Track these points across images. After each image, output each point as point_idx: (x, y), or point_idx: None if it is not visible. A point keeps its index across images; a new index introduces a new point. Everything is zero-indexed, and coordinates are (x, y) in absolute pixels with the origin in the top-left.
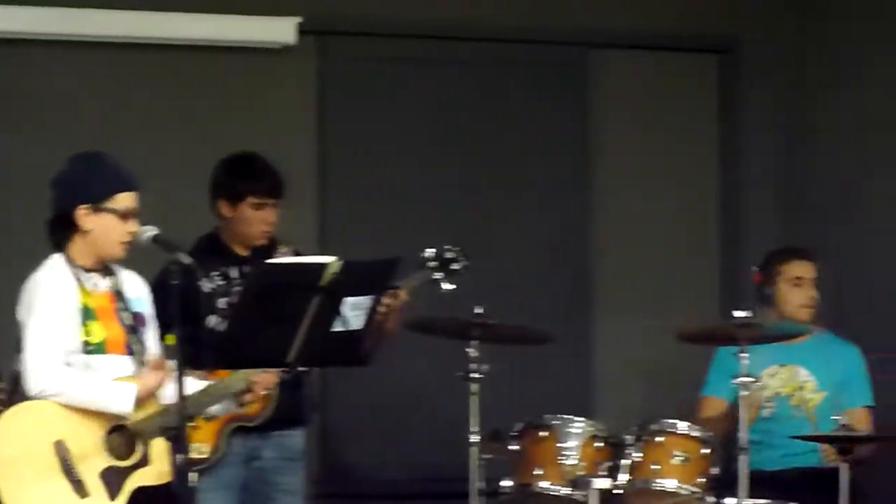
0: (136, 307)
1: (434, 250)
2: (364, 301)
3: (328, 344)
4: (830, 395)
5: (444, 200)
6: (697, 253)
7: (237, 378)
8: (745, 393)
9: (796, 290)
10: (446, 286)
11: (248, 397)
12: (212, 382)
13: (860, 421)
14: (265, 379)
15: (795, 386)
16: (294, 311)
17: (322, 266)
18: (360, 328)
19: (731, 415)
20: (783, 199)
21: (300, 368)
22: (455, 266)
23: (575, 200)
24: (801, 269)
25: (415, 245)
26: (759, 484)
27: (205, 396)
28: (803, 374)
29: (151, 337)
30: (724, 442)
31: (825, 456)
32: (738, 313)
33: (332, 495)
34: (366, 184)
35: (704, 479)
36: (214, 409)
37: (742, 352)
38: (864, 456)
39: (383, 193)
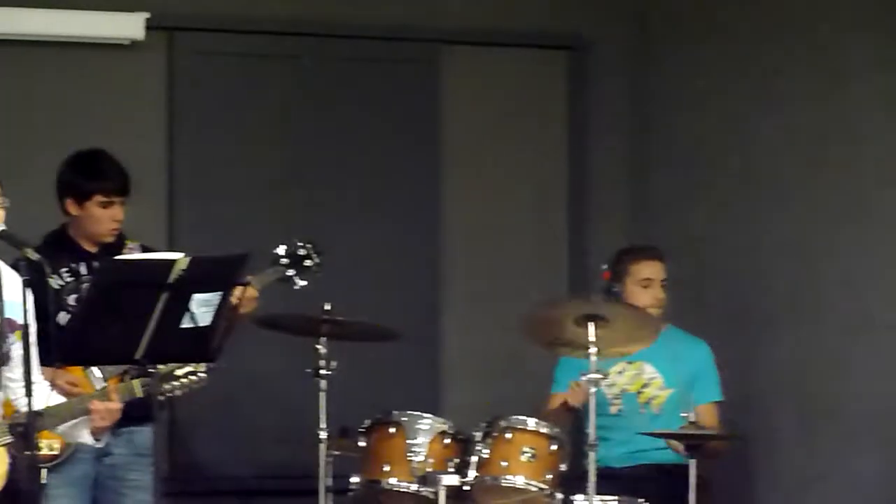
0: (9, 312)
1: (286, 247)
2: (212, 297)
3: (177, 340)
4: (678, 392)
5: (295, 197)
6: (546, 249)
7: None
8: (594, 390)
9: (645, 290)
10: (298, 283)
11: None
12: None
13: (708, 417)
14: (105, 412)
15: (642, 383)
16: (142, 308)
17: (170, 262)
18: (208, 324)
19: (569, 408)
20: (631, 193)
21: (149, 366)
22: (307, 263)
23: (426, 197)
24: (650, 270)
25: (265, 242)
26: (608, 480)
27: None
28: (650, 370)
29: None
30: (572, 439)
31: (675, 449)
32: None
33: (182, 492)
34: (215, 180)
35: (553, 476)
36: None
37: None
38: (714, 451)
39: (233, 190)
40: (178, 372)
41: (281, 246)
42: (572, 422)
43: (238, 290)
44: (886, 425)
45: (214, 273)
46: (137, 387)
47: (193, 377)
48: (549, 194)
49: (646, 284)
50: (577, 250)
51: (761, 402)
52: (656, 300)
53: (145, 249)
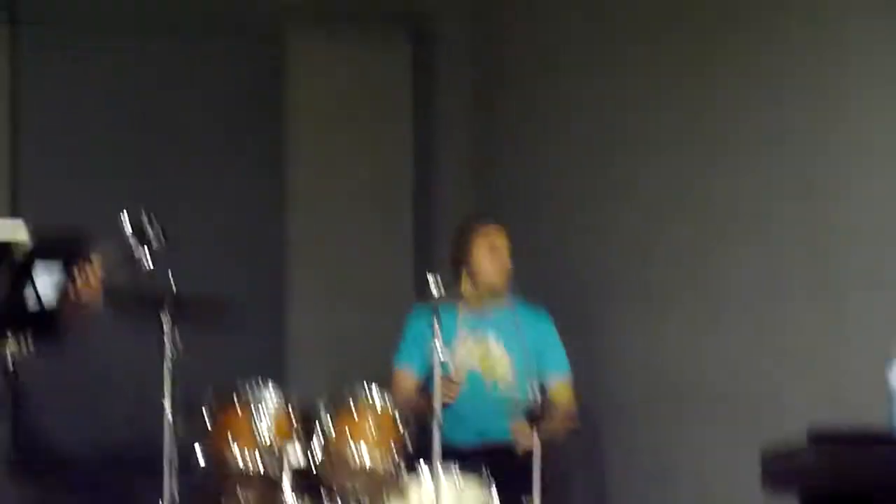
0: None
1: (132, 226)
2: (57, 275)
3: (21, 319)
4: (524, 366)
5: (140, 177)
6: (391, 221)
7: None
8: (440, 368)
9: (491, 256)
10: (144, 261)
11: None
12: None
13: (557, 388)
14: None
15: (485, 356)
16: None
17: (13, 242)
18: (52, 302)
19: (425, 393)
20: (475, 173)
21: None
22: (153, 242)
23: (270, 173)
24: (496, 238)
25: (111, 222)
26: (453, 458)
27: None
28: (496, 347)
29: None
30: (418, 415)
31: (519, 441)
32: (430, 278)
33: (25, 470)
34: (60, 160)
35: (397, 452)
36: None
37: (436, 321)
38: (561, 424)
39: (78, 170)
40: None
41: (127, 225)
42: (420, 399)
43: (83, 268)
44: (731, 409)
45: (58, 250)
46: None
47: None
48: (394, 167)
49: (492, 251)
50: (423, 222)
51: (608, 383)
52: (503, 267)
53: None
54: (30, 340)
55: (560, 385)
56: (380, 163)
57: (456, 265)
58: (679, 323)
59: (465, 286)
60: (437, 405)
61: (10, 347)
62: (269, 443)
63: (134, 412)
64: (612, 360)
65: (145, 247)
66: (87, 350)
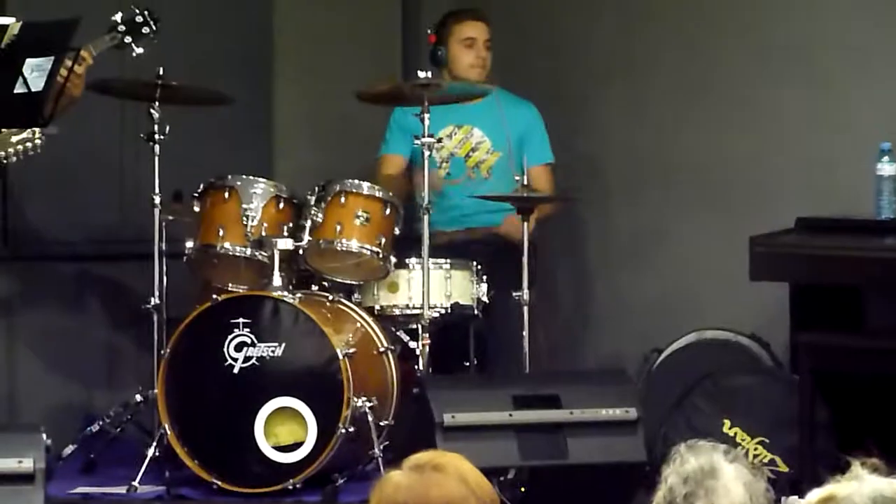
0: None
1: (122, 13)
2: (45, 62)
3: (8, 105)
4: (507, 155)
5: None
6: (380, 12)
7: None
8: (428, 153)
9: (467, 50)
10: (135, 49)
11: None
12: None
13: (541, 179)
14: None
15: (470, 146)
16: None
17: (2, 28)
18: (40, 89)
19: (412, 176)
20: None
21: None
22: (144, 29)
23: None
24: (473, 30)
25: (101, 8)
26: (440, 244)
27: None
28: (478, 134)
29: None
30: (405, 201)
31: (506, 229)
32: (420, 74)
33: (14, 258)
34: None
35: (386, 240)
36: None
37: (423, 112)
38: (545, 215)
39: None
40: (13, 139)
41: (118, 13)
42: (407, 188)
43: (72, 57)
44: (719, 194)
45: (47, 37)
46: None
47: (28, 143)
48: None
49: (469, 44)
50: (411, 14)
51: (591, 165)
52: (479, 59)
53: None
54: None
55: (543, 174)
56: None
57: (436, 61)
58: (667, 105)
59: (446, 81)
60: (426, 194)
61: (15, 137)
62: (257, 231)
63: (123, 200)
64: (597, 141)
65: (136, 36)
66: (75, 138)
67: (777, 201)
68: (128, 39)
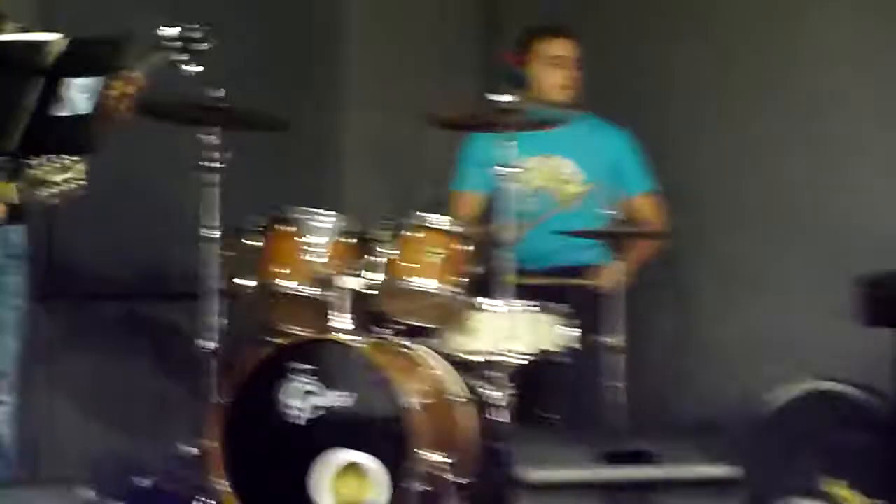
0: None
1: (175, 29)
2: (92, 82)
3: (52, 129)
4: (599, 187)
5: None
6: (455, 25)
7: None
8: (509, 185)
9: (554, 70)
10: (188, 68)
11: None
12: None
13: (645, 208)
14: None
15: (560, 179)
16: (14, 94)
17: (45, 44)
18: (87, 111)
19: (489, 209)
20: None
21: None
22: (198, 46)
23: None
24: (561, 48)
25: (152, 23)
26: (522, 284)
27: None
28: (568, 165)
29: None
30: (485, 239)
31: (606, 282)
32: (496, 97)
33: (58, 295)
34: None
35: (464, 279)
36: None
37: (504, 140)
38: (647, 255)
39: None
40: (56, 178)
41: (170, 28)
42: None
43: (121, 76)
44: (822, 231)
45: (95, 55)
46: (13, 192)
47: (72, 184)
48: None
49: (556, 63)
50: (490, 27)
51: (682, 199)
52: (569, 79)
53: (23, 31)
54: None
55: (648, 203)
56: None
57: (518, 81)
58: (768, 134)
59: (530, 104)
60: (506, 230)
61: (59, 177)
62: (323, 269)
63: (175, 234)
64: (689, 172)
65: (190, 54)
66: (123, 166)
67: (883, 240)
68: (179, 57)
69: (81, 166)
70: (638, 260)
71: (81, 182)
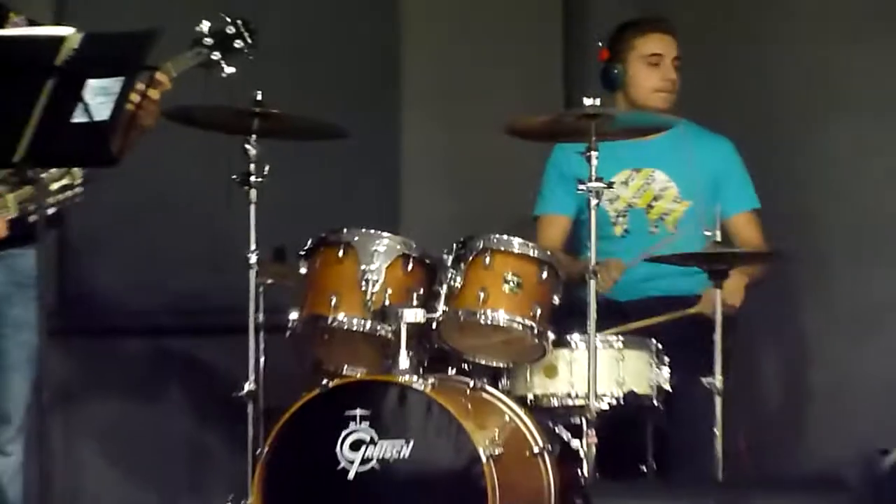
0: None
1: (210, 23)
2: (112, 84)
3: (67, 138)
4: (697, 205)
5: None
6: (531, 23)
7: None
8: (596, 202)
9: (652, 69)
10: (225, 69)
11: None
12: None
13: (745, 228)
14: None
15: (652, 195)
16: (23, 97)
17: (58, 39)
18: (107, 118)
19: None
20: None
21: (33, 170)
22: (237, 44)
23: None
24: (660, 44)
25: (184, 16)
26: (612, 316)
27: None
28: (662, 179)
29: None
30: (573, 273)
31: (707, 308)
32: (587, 101)
33: (74, 330)
34: None
35: (542, 310)
36: None
37: (590, 150)
38: (753, 280)
39: None
40: (53, 185)
41: (204, 22)
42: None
43: (146, 77)
44: None
45: (116, 53)
46: (12, 202)
47: (68, 191)
48: None
49: (654, 62)
50: (576, 24)
51: (806, 217)
52: (667, 81)
53: (32, 24)
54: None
55: (745, 221)
56: None
57: (609, 83)
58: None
59: (621, 108)
60: (592, 255)
61: (54, 184)
62: (380, 299)
63: (209, 258)
64: (813, 189)
65: (227, 53)
66: (148, 179)
67: None
68: (216, 56)
69: (78, 170)
70: (739, 289)
71: (78, 188)
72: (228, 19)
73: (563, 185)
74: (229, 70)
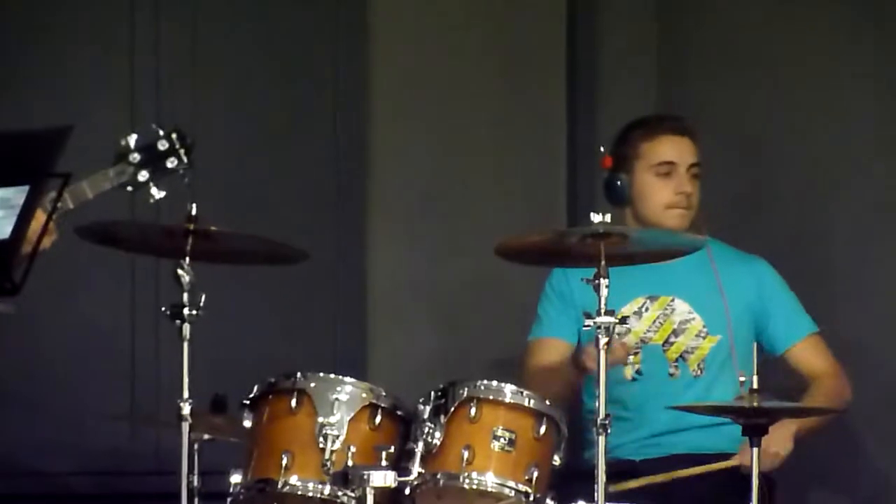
0: None
1: (138, 137)
2: (15, 194)
3: None
4: (727, 340)
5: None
6: (526, 128)
7: None
8: (605, 340)
9: (664, 181)
10: (154, 193)
11: None
12: None
13: (811, 358)
14: None
15: (671, 327)
16: None
17: None
18: (7, 237)
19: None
20: (655, 58)
21: None
22: (169, 163)
23: (345, 57)
24: (672, 149)
25: (109, 127)
26: (623, 479)
27: None
28: (683, 308)
29: None
30: (569, 414)
31: (740, 456)
32: (595, 217)
33: None
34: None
35: (539, 473)
36: None
37: (598, 277)
38: (811, 428)
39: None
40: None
41: (131, 135)
42: (574, 392)
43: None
44: None
45: (20, 157)
46: None
47: None
48: (536, 48)
49: (666, 171)
50: (579, 128)
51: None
52: (680, 196)
53: None
54: None
55: (808, 348)
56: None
57: (614, 196)
58: None
59: (630, 224)
60: (601, 404)
61: None
62: (342, 459)
63: (136, 410)
64: (862, 317)
65: (158, 173)
66: (60, 313)
67: None
68: (143, 177)
69: None
70: (787, 436)
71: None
72: (161, 132)
73: (564, 311)
74: (158, 195)
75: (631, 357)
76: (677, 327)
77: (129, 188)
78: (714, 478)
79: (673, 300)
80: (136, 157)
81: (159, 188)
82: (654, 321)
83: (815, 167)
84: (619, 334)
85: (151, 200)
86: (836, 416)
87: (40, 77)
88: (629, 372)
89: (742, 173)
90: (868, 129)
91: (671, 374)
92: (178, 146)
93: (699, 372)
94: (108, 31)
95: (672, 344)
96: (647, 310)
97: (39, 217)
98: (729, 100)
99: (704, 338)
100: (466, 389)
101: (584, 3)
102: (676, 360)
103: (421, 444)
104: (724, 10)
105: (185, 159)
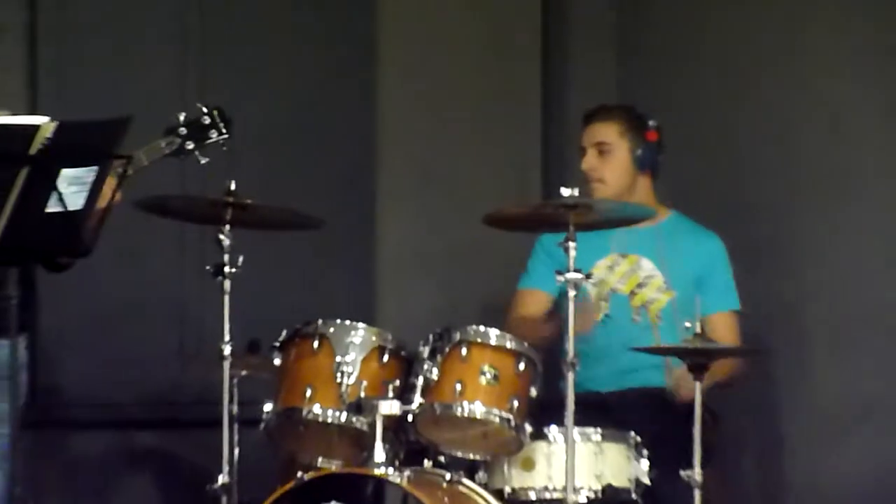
0: None
1: (185, 114)
2: (86, 173)
3: (40, 228)
4: (681, 296)
5: (196, 54)
6: (511, 112)
7: None
8: (573, 293)
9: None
10: (200, 159)
11: None
12: None
13: (722, 329)
14: None
15: (637, 281)
16: None
17: (31, 129)
18: (80, 208)
19: (558, 318)
20: (619, 45)
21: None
22: (211, 135)
23: (359, 50)
24: (584, 138)
25: (158, 107)
26: (590, 408)
27: None
28: (648, 267)
29: None
30: (546, 353)
31: (674, 386)
32: (564, 191)
33: (46, 423)
34: (86, 35)
35: (520, 403)
36: None
37: (567, 241)
38: (726, 378)
39: (118, 46)
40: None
41: (180, 113)
42: (553, 334)
43: (120, 166)
44: None
45: (89, 142)
46: None
47: None
48: (515, 39)
49: (581, 154)
50: (552, 113)
51: (786, 312)
52: (587, 169)
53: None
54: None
55: (725, 323)
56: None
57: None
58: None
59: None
60: (570, 345)
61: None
62: (355, 391)
63: (182, 350)
64: (793, 283)
65: (201, 144)
66: (120, 270)
67: None
68: (189, 146)
69: None
70: (720, 384)
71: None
72: (204, 109)
73: (548, 266)
74: (203, 160)
75: (602, 302)
76: (642, 281)
77: (180, 156)
78: (659, 409)
79: (640, 259)
80: (183, 130)
81: (203, 156)
82: (624, 275)
83: (778, 143)
84: (593, 284)
85: (201, 162)
86: (726, 382)
87: (106, 66)
88: (598, 316)
89: (704, 151)
90: (826, 98)
91: (634, 320)
92: (218, 121)
93: (657, 321)
94: (161, 25)
95: (636, 295)
96: (618, 265)
97: (110, 181)
98: (683, 75)
99: (664, 292)
100: (459, 334)
101: None
102: (639, 307)
103: (421, 379)
104: None
105: (224, 131)
